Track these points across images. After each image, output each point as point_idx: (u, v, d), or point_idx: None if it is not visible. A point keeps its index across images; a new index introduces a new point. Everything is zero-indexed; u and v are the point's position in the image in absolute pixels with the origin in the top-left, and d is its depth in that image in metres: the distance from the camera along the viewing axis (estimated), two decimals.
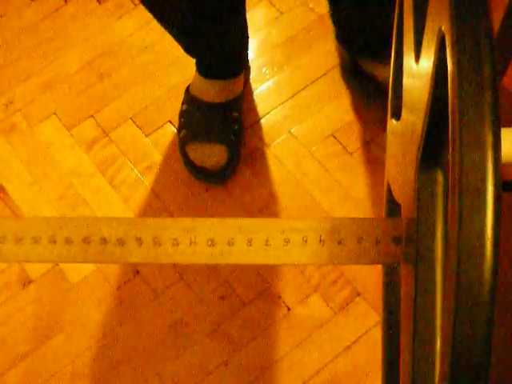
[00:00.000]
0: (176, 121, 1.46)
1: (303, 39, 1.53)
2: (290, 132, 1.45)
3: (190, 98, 1.42)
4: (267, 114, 1.47)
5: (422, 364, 0.39)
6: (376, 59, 1.40)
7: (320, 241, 0.44)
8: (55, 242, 0.48)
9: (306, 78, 1.50)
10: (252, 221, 0.46)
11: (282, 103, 1.48)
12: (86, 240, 0.48)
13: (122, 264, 1.35)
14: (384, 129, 1.40)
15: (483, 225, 0.29)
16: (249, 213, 1.38)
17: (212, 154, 1.38)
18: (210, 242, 0.46)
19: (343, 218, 0.44)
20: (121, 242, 0.47)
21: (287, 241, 0.45)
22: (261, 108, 1.48)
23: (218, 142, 1.39)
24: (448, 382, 0.30)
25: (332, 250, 0.44)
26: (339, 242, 0.44)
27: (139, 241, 0.47)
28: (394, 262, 0.44)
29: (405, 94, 0.49)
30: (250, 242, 0.45)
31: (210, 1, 1.21)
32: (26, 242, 0.49)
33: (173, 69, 1.53)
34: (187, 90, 1.44)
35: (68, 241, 0.48)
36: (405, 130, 0.47)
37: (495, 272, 0.29)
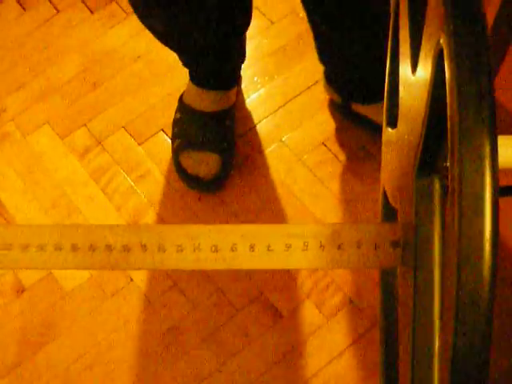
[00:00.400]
0: (169, 129, 1.47)
1: (294, 48, 1.55)
2: (281, 140, 1.46)
3: (183, 107, 1.43)
4: (259, 122, 1.48)
5: (421, 364, 0.40)
6: (368, 102, 1.40)
7: (320, 246, 0.46)
8: (61, 249, 0.49)
9: (297, 87, 1.51)
10: (254, 227, 0.47)
11: (274, 112, 1.49)
12: (92, 247, 0.49)
13: (116, 271, 1.36)
14: (374, 137, 1.42)
15: (482, 228, 0.31)
16: (241, 221, 1.39)
17: (205, 163, 1.39)
18: (213, 248, 0.47)
19: (343, 224, 0.45)
20: (126, 249, 0.48)
21: (289, 246, 0.46)
22: (253, 117, 1.49)
23: (212, 150, 1.40)
24: (449, 380, 0.31)
25: (332, 255, 0.46)
26: (339, 247, 0.46)
27: (144, 247, 0.48)
28: (393, 265, 0.46)
29: (401, 102, 0.50)
30: (252, 248, 0.46)
31: (220, 27, 1.23)
32: (32, 249, 0.50)
33: (165, 78, 1.54)
34: (180, 98, 1.45)
35: (74, 248, 0.49)
36: (401, 138, 0.49)
37: (494, 272, 0.30)
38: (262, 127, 1.48)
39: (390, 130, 0.56)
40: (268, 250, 0.46)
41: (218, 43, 1.28)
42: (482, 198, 0.31)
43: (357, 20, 1.22)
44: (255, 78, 1.53)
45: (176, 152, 1.42)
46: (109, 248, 0.48)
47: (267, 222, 1.39)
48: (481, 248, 0.31)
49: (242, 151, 1.45)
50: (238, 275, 1.34)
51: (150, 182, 1.44)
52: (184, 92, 1.45)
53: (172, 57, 1.39)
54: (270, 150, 1.45)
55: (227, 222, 1.38)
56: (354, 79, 1.38)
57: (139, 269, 0.48)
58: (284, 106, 1.50)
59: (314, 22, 1.27)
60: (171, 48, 1.33)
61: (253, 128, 1.48)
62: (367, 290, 1.33)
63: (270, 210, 1.40)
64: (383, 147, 0.60)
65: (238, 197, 1.41)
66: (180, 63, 1.40)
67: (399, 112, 0.51)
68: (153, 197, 1.43)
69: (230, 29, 1.28)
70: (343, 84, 1.41)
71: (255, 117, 1.49)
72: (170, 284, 1.35)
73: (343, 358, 1.29)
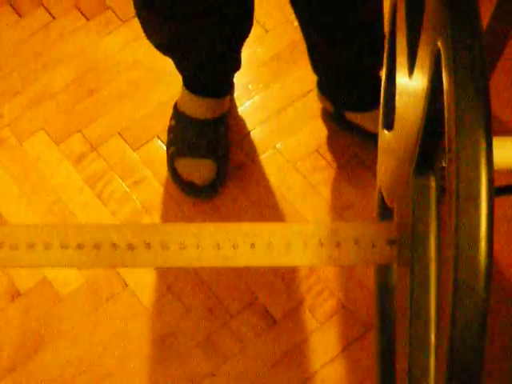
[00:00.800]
0: (163, 136, 1.48)
1: (288, 57, 1.57)
2: (275, 147, 1.48)
3: (178, 114, 1.45)
4: (253, 129, 1.50)
5: (418, 356, 0.41)
6: (361, 111, 1.42)
7: (319, 243, 0.47)
8: (67, 247, 0.50)
9: (291, 95, 1.53)
10: (255, 225, 0.49)
11: (268, 119, 1.51)
12: (97, 245, 0.50)
13: (111, 276, 1.37)
14: (366, 145, 1.43)
15: (478, 225, 0.32)
16: None
17: (200, 170, 1.40)
18: (215, 246, 0.48)
19: (341, 222, 0.47)
20: (130, 247, 0.49)
21: (288, 244, 0.47)
22: (247, 124, 1.51)
23: (206, 157, 1.41)
24: (448, 364, 0.32)
25: (331, 253, 0.47)
26: (337, 245, 0.47)
27: (148, 245, 0.49)
28: (390, 262, 0.47)
29: (397, 105, 0.52)
30: (253, 246, 0.48)
31: (224, 36, 1.26)
32: (38, 248, 0.51)
33: (160, 85, 1.56)
34: (175, 105, 1.47)
35: (80, 246, 0.50)
36: (398, 139, 0.50)
37: (490, 266, 0.32)
38: (256, 134, 1.49)
39: (386, 132, 0.58)
40: (268, 247, 0.48)
41: (219, 51, 1.30)
42: (478, 196, 0.32)
43: (349, 30, 1.24)
44: (249, 86, 1.54)
45: (171, 158, 1.44)
46: (113, 246, 0.50)
47: None
48: (477, 244, 0.32)
49: (237, 158, 1.47)
50: (232, 280, 1.36)
51: (145, 188, 1.46)
52: (178, 99, 1.47)
53: (167, 64, 1.41)
54: (264, 157, 1.47)
55: None
56: (347, 88, 1.40)
57: (143, 267, 0.49)
58: (278, 113, 1.51)
59: (307, 31, 1.29)
60: (171, 57, 1.34)
61: (247, 135, 1.49)
62: (360, 295, 1.34)
63: (263, 216, 1.41)
64: (379, 148, 0.62)
65: (232, 203, 1.43)
66: (175, 70, 1.41)
67: (396, 114, 0.52)
68: (148, 203, 1.44)
69: (233, 36, 1.30)
70: (336, 93, 1.43)
71: (249, 124, 1.51)
72: (164, 289, 1.36)
73: (336, 362, 1.30)
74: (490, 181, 0.33)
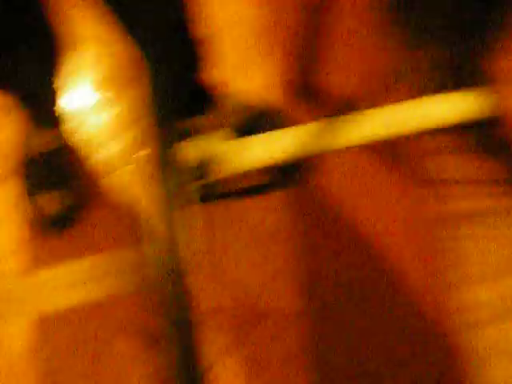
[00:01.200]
0: (11, 176, 1.46)
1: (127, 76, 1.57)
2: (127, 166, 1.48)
3: (22, 151, 1.44)
4: (99, 152, 1.50)
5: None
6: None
7: (83, 280, 0.48)
8: None
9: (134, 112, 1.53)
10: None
11: (116, 138, 1.51)
12: None
13: None
14: None
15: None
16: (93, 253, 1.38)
17: (54, 202, 1.40)
18: None
19: (102, 255, 0.48)
20: None
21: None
22: (90, 149, 1.50)
23: (58, 189, 1.41)
24: None
25: (97, 284, 0.48)
26: (101, 278, 0.49)
27: None
28: (139, 290, 0.49)
29: None
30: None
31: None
32: None
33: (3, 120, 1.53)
34: (18, 143, 1.45)
35: None
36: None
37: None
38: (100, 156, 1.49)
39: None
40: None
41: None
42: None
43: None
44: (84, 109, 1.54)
45: (24, 195, 1.43)
46: None
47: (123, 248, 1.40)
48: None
49: (87, 185, 1.46)
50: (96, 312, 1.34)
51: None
52: (22, 135, 1.45)
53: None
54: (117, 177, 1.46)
55: (80, 257, 1.38)
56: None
57: None
58: (125, 131, 1.51)
59: None
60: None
61: (95, 159, 1.49)
62: (235, 293, 1.35)
63: (122, 241, 1.40)
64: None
65: (87, 233, 1.41)
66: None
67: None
68: (4, 240, 1.42)
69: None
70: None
71: (94, 147, 1.50)
72: (35, 333, 1.33)
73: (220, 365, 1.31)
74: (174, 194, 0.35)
